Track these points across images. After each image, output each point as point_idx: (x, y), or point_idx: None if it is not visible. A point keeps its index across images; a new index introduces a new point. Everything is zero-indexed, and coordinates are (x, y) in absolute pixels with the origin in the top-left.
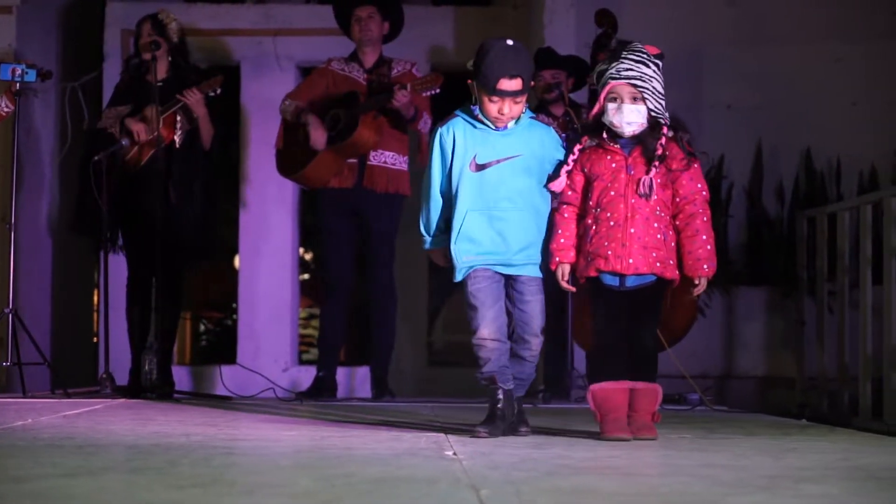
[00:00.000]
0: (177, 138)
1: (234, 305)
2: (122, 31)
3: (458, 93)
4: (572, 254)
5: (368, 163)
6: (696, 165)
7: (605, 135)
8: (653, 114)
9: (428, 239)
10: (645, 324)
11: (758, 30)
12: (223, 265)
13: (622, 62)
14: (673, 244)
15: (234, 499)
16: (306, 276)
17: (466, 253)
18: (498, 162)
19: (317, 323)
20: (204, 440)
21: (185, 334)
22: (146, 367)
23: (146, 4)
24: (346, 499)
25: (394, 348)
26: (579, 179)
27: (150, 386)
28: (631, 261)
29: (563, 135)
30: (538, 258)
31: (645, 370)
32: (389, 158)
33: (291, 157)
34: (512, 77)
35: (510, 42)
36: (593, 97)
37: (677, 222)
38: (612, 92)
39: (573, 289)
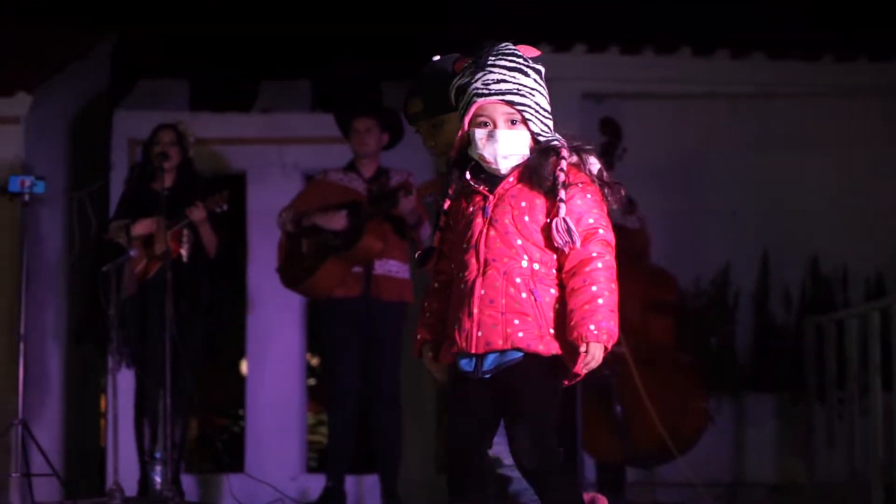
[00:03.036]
0: (183, 252)
1: (240, 412)
2: (128, 141)
3: None
4: (436, 329)
5: (374, 272)
6: (590, 195)
7: (468, 174)
8: (540, 139)
9: None
10: (521, 428)
11: (761, 136)
12: (228, 370)
13: (489, 72)
14: (557, 306)
15: None
16: (313, 381)
17: None
18: None
19: (325, 429)
20: None
21: (191, 441)
22: (156, 479)
23: (153, 113)
24: None
25: (401, 456)
26: (449, 237)
27: (159, 497)
28: (480, 334)
29: None
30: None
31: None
32: (393, 267)
33: (295, 268)
34: (412, 97)
35: (435, 58)
36: None
37: (563, 274)
38: (479, 113)
39: (436, 370)
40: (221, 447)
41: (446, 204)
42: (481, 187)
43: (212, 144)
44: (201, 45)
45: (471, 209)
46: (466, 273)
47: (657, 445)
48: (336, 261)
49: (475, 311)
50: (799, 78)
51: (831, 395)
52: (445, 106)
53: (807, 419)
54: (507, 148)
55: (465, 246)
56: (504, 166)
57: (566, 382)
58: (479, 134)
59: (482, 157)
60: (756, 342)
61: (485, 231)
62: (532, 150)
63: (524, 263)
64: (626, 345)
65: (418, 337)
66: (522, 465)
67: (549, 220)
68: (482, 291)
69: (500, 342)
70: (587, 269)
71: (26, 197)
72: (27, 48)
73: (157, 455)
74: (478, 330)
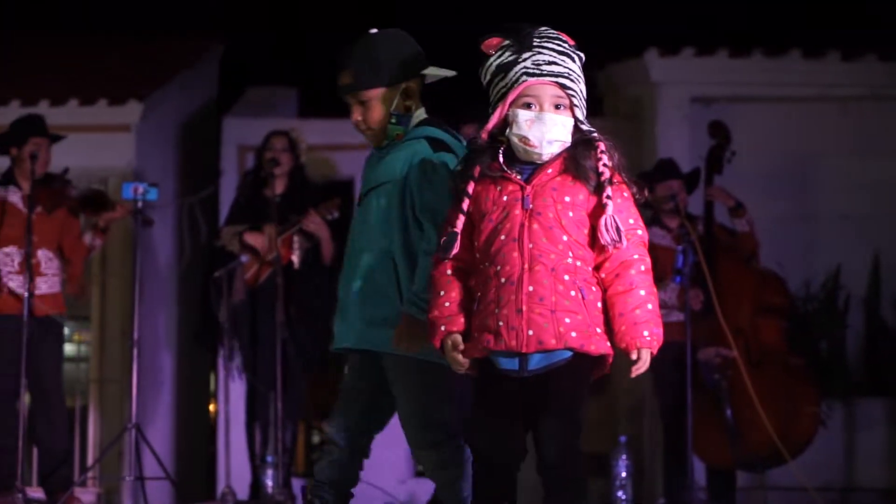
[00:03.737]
0: (294, 258)
1: None
2: (237, 147)
3: None
4: (462, 320)
5: None
6: (626, 193)
7: (501, 157)
8: (583, 127)
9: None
10: (558, 428)
11: (871, 139)
12: (336, 376)
13: (539, 52)
14: (599, 305)
15: None
16: None
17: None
18: (368, 192)
19: None
20: None
21: (298, 445)
22: (267, 482)
23: (262, 121)
24: None
25: None
26: (466, 223)
27: (270, 501)
28: (531, 332)
29: (679, 247)
30: (388, 325)
31: (558, 502)
32: None
33: None
34: (342, 69)
35: (373, 31)
36: (709, 209)
37: (603, 274)
38: (526, 94)
39: (465, 363)
40: None
41: (470, 186)
42: (514, 175)
43: (320, 151)
44: (309, 52)
45: (504, 198)
46: (508, 267)
47: (768, 449)
48: None
49: (524, 308)
50: None
51: None
52: (375, 82)
53: None
54: (554, 132)
55: (502, 238)
56: (547, 152)
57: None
58: (526, 115)
59: (525, 140)
60: (867, 346)
61: (527, 224)
62: (574, 141)
63: (570, 260)
64: (736, 348)
65: (442, 328)
66: (548, 461)
67: (591, 217)
68: (530, 288)
69: (553, 342)
70: (631, 271)
71: (139, 204)
72: (138, 58)
73: (269, 459)
74: (528, 328)
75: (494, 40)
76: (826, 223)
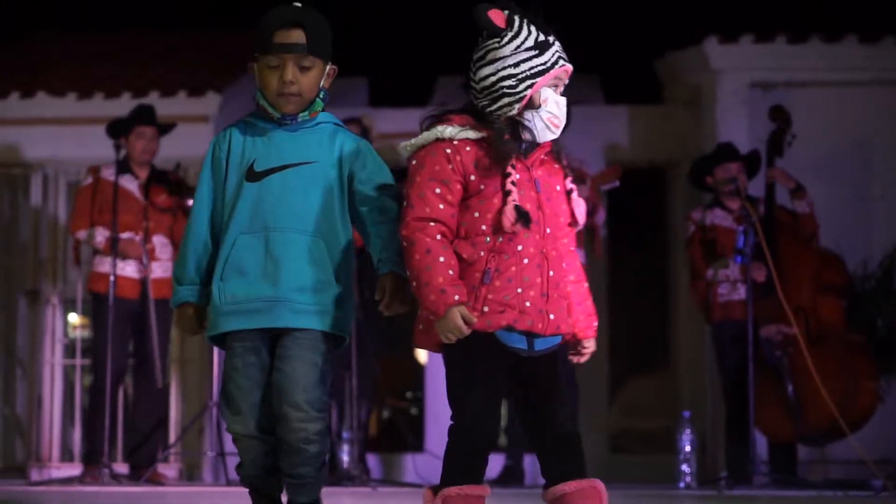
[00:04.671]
0: None
1: (412, 395)
2: None
3: (632, 189)
4: (464, 290)
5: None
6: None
7: (526, 135)
8: None
9: (178, 289)
10: (563, 399)
11: None
12: (407, 355)
13: (556, 39)
14: None
15: None
16: None
17: (233, 291)
18: (283, 168)
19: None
20: None
21: (371, 421)
22: (343, 457)
23: (334, 110)
24: None
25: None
26: (458, 189)
27: (346, 475)
28: (552, 316)
29: (740, 227)
30: (329, 307)
31: (576, 463)
32: None
33: None
34: (291, 26)
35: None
36: (770, 190)
37: None
38: (559, 76)
39: (466, 334)
40: (406, 427)
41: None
42: (520, 156)
43: (391, 139)
44: (380, 43)
45: (515, 176)
46: (530, 249)
47: (828, 424)
48: None
49: (549, 293)
50: None
51: None
52: (323, 52)
53: None
54: (563, 114)
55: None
56: (556, 133)
57: None
58: (557, 97)
59: (554, 120)
60: None
61: (545, 206)
62: None
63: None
64: (797, 325)
65: (456, 298)
66: (566, 426)
67: (568, 196)
68: (551, 273)
69: (565, 327)
70: (577, 262)
71: None
72: (215, 51)
73: (345, 435)
74: (551, 312)
75: (502, 13)
76: (883, 204)
